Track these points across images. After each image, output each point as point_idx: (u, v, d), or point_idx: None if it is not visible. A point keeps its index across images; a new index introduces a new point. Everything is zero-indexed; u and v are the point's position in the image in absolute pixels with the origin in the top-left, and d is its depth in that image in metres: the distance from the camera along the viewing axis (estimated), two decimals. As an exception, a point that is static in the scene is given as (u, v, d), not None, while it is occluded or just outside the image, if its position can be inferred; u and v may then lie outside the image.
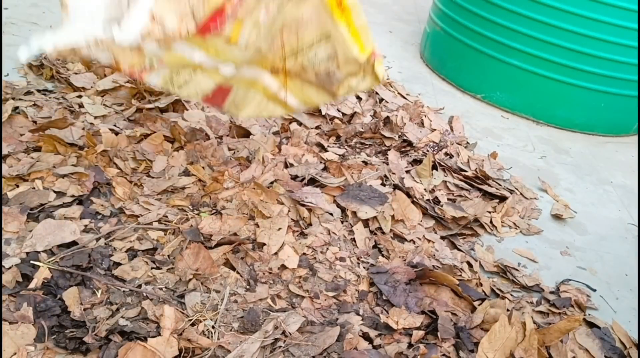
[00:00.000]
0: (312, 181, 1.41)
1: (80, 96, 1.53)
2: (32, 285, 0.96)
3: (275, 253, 1.17)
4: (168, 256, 1.11)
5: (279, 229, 1.21)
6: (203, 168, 1.36)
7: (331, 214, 1.32)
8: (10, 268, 0.97)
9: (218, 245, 1.15)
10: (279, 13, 1.03)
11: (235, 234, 1.19)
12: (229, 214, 1.22)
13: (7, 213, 1.08)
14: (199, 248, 1.11)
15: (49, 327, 0.91)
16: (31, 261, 0.99)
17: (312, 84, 1.18)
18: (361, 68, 1.16)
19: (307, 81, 1.18)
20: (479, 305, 1.15)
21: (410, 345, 1.03)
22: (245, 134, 1.56)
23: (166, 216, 1.19)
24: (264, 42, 1.07)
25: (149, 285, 1.03)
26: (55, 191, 1.17)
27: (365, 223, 1.33)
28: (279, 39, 1.11)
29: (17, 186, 1.16)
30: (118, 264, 1.06)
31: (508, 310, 1.14)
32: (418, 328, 1.07)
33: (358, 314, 1.08)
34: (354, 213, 1.33)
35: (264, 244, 1.18)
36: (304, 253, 1.19)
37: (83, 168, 1.24)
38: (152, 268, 1.06)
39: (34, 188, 1.16)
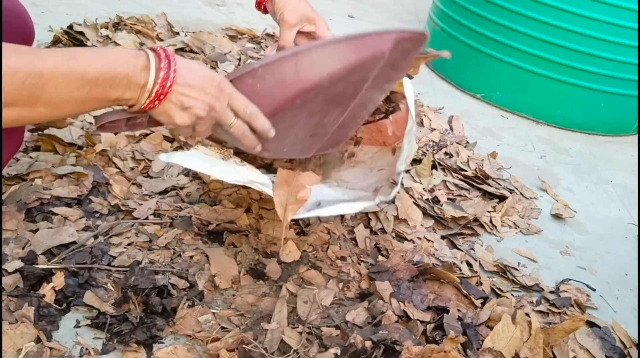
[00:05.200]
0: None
1: (79, 96, 1.53)
2: (42, 291, 0.95)
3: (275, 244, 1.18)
4: (166, 246, 1.12)
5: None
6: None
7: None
8: (13, 272, 0.96)
9: (213, 233, 1.17)
10: None
11: (231, 222, 1.19)
12: (225, 206, 1.23)
13: (5, 212, 1.07)
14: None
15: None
16: (34, 265, 0.98)
17: None
18: None
19: None
20: (481, 303, 1.15)
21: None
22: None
23: (159, 209, 1.20)
24: None
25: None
26: (53, 192, 1.16)
27: (368, 223, 1.33)
28: None
29: (15, 184, 1.16)
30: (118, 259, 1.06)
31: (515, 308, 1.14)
32: (427, 323, 1.07)
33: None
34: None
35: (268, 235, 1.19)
36: (304, 251, 1.19)
37: (82, 168, 1.24)
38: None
39: (31, 185, 1.15)
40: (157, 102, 0.68)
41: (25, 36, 0.85)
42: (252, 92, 0.72)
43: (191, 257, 1.11)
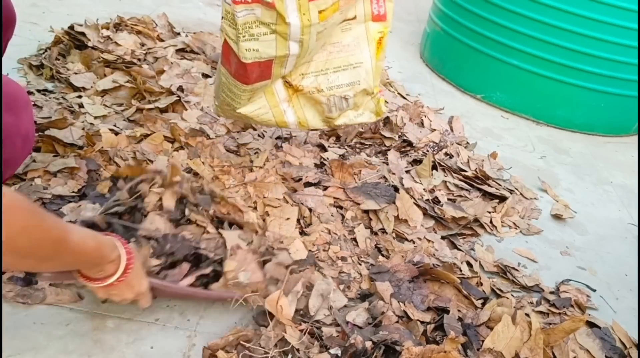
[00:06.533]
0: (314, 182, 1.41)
1: (80, 96, 1.53)
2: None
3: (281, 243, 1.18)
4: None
5: (288, 219, 1.23)
6: (203, 163, 1.36)
7: (332, 214, 1.32)
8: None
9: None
10: (327, 30, 1.13)
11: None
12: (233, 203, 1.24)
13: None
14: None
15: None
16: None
17: (315, 106, 1.27)
18: (365, 102, 1.30)
19: (312, 102, 1.27)
20: (482, 303, 1.15)
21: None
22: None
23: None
24: (313, 50, 1.16)
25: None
26: (54, 191, 1.17)
27: (368, 223, 1.34)
28: (313, 55, 1.19)
29: (14, 184, 1.16)
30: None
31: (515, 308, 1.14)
32: (427, 324, 1.07)
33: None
34: (357, 205, 1.35)
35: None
36: (309, 250, 1.20)
37: (73, 161, 1.23)
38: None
39: (31, 185, 1.16)
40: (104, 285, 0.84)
41: (6, 18, 0.87)
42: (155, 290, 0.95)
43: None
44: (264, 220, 1.23)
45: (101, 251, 0.79)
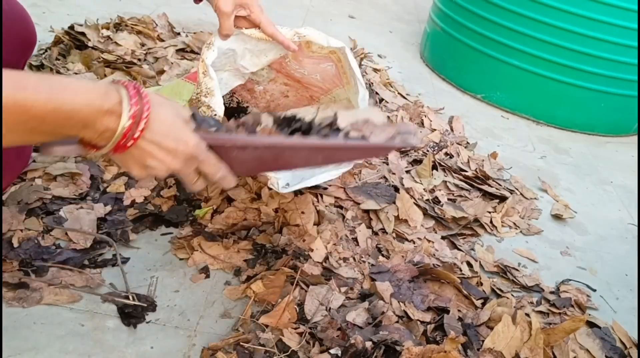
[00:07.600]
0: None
1: (80, 96, 1.53)
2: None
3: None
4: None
5: (303, 213, 1.25)
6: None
7: (333, 213, 1.32)
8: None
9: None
10: None
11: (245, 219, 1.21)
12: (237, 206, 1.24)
13: (5, 213, 1.07)
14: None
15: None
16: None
17: None
18: None
19: None
20: (482, 303, 1.15)
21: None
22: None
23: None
24: None
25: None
26: (55, 192, 1.16)
27: (369, 223, 1.33)
28: None
29: (14, 184, 1.16)
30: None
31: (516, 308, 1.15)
32: (427, 324, 1.07)
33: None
34: (357, 205, 1.35)
35: (297, 225, 1.21)
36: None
37: (74, 166, 1.22)
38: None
39: (32, 185, 1.15)
40: (116, 152, 0.59)
41: (26, 40, 0.85)
42: (227, 157, 0.69)
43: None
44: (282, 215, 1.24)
45: (72, 99, 0.53)
